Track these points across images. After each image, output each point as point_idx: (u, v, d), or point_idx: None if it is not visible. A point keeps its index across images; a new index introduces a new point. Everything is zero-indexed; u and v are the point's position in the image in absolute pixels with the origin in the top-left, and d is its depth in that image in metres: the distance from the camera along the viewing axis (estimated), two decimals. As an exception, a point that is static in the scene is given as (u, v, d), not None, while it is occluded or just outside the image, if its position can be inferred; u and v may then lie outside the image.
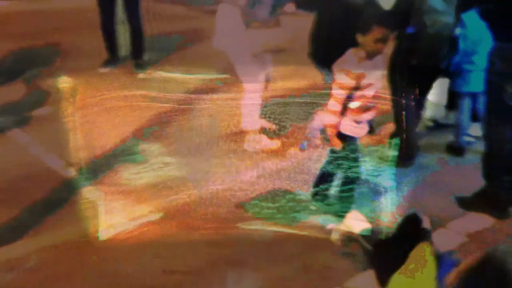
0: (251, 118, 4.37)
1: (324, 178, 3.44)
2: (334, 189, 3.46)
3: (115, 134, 4.56)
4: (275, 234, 3.35)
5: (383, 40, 3.12)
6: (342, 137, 3.26)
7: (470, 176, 3.77)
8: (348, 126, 3.24)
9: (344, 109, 3.21)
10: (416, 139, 4.21)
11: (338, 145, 3.24)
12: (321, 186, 3.44)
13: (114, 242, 3.28)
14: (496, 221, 3.48)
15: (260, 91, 4.31)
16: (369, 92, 3.20)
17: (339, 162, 3.32)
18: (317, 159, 4.09)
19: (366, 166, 3.64)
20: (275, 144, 4.39)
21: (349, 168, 3.38)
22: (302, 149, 4.30)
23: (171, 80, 5.30)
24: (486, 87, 3.53)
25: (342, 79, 3.14)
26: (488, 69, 3.47)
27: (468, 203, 3.60)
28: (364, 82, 3.16)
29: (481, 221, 3.48)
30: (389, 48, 3.70)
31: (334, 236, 3.26)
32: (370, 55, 3.16)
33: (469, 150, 4.31)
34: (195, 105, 4.95)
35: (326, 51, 3.94)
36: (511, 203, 3.54)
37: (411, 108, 3.99)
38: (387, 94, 3.74)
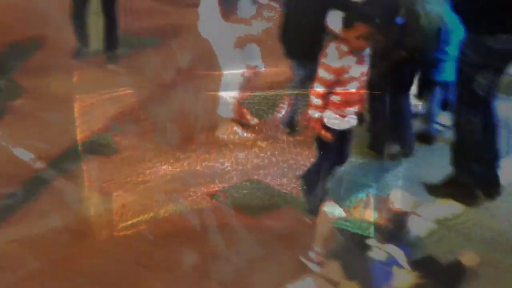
0: (227, 106, 4.36)
1: (315, 172, 3.42)
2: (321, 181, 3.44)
3: (86, 126, 4.53)
4: (248, 225, 3.35)
5: (367, 37, 3.05)
6: (329, 130, 3.22)
7: (439, 164, 3.81)
8: (332, 120, 3.22)
9: (327, 103, 3.17)
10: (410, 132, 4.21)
11: (328, 137, 3.20)
12: (311, 179, 3.43)
13: (85, 235, 3.25)
14: (465, 207, 3.53)
15: (241, 80, 4.28)
16: (352, 87, 3.15)
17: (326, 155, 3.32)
18: (292, 150, 4.11)
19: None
20: (249, 135, 4.38)
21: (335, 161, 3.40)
22: (274, 139, 4.31)
23: (144, 73, 5.24)
24: (457, 76, 3.56)
25: (322, 74, 3.12)
26: (459, 59, 3.49)
27: (437, 190, 3.64)
28: (346, 76, 3.12)
29: (450, 207, 3.52)
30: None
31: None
32: (353, 51, 3.10)
33: (438, 138, 4.35)
34: (169, 97, 4.92)
35: (293, 41, 3.94)
36: (479, 190, 3.59)
37: (389, 101, 4.00)
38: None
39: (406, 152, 4.10)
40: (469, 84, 3.40)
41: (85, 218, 3.37)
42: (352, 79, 3.14)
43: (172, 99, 4.85)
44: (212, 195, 3.63)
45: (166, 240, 3.22)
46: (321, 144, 3.29)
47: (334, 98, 3.16)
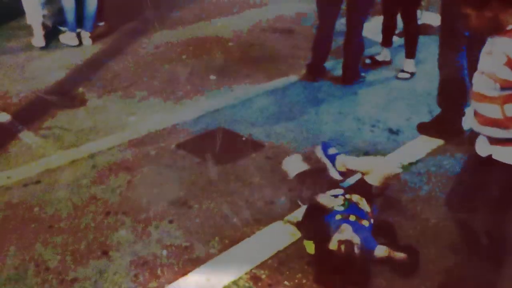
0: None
1: None
2: None
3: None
4: (216, 173, 3.19)
5: None
6: None
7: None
8: None
9: None
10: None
11: None
12: None
13: (50, 185, 3.05)
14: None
15: None
16: None
17: None
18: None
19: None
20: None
21: None
22: None
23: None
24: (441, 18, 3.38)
25: None
26: None
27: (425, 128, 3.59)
28: None
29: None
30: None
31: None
32: None
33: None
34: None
35: None
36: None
37: None
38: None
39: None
40: (452, 23, 3.22)
41: (47, 168, 3.19)
42: None
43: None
44: (180, 144, 3.45)
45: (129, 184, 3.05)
46: None
47: None
